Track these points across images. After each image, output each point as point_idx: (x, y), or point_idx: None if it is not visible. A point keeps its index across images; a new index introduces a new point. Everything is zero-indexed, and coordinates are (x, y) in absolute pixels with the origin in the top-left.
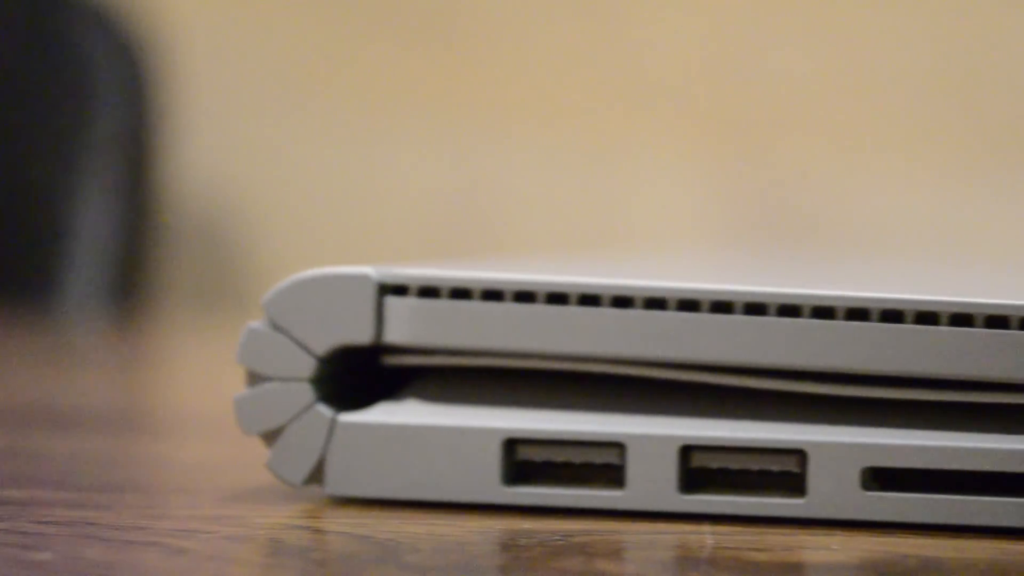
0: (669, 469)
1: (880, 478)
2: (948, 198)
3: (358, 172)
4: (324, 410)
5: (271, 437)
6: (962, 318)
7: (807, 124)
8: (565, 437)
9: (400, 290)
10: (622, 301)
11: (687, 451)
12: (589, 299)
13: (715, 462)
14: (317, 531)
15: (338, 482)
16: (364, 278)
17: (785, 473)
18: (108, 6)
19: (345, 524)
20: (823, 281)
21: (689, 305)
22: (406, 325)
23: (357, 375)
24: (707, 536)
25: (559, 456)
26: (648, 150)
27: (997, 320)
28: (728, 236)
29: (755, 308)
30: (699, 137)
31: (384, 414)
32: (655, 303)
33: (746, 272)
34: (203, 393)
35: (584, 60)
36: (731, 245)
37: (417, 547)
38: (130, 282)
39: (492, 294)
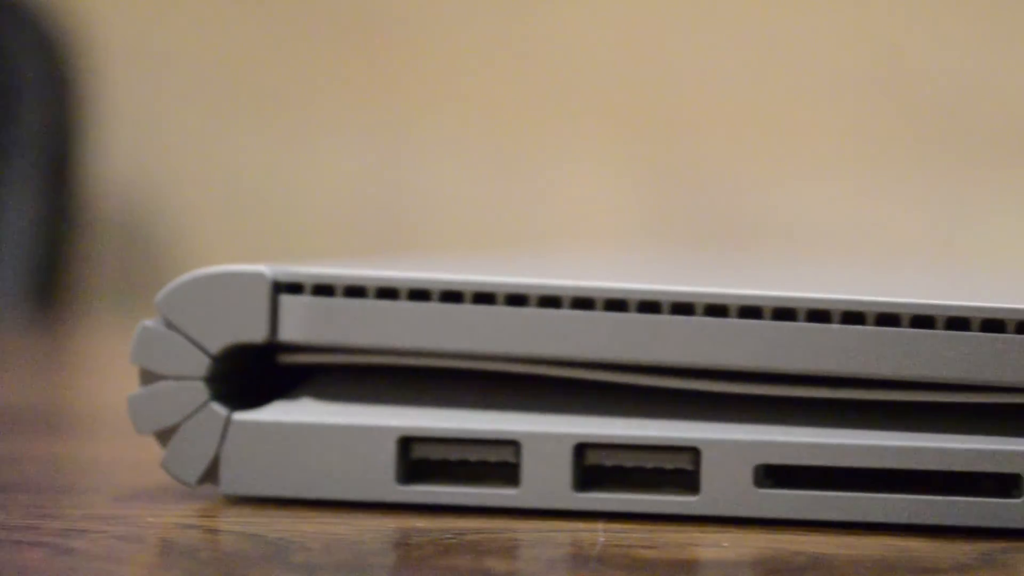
0: (563, 467)
1: (773, 475)
2: (869, 196)
3: (281, 169)
4: (218, 409)
5: (165, 436)
6: (854, 316)
7: (730, 122)
8: (460, 435)
9: (295, 288)
10: (516, 299)
11: (581, 449)
12: (483, 297)
13: (609, 460)
14: (209, 530)
15: (232, 481)
16: (258, 276)
17: (680, 471)
18: (29, 1)
19: (238, 523)
20: (722, 279)
21: (583, 303)
22: (301, 323)
23: (254, 374)
24: (599, 534)
25: (454, 454)
26: (571, 148)
27: (887, 318)
28: (651, 234)
29: (649, 306)
30: (622, 135)
31: (278, 413)
32: (550, 301)
33: (646, 270)
34: (115, 392)
35: (508, 57)
36: (647, 243)
37: (307, 546)
38: (50, 279)
39: (387, 292)
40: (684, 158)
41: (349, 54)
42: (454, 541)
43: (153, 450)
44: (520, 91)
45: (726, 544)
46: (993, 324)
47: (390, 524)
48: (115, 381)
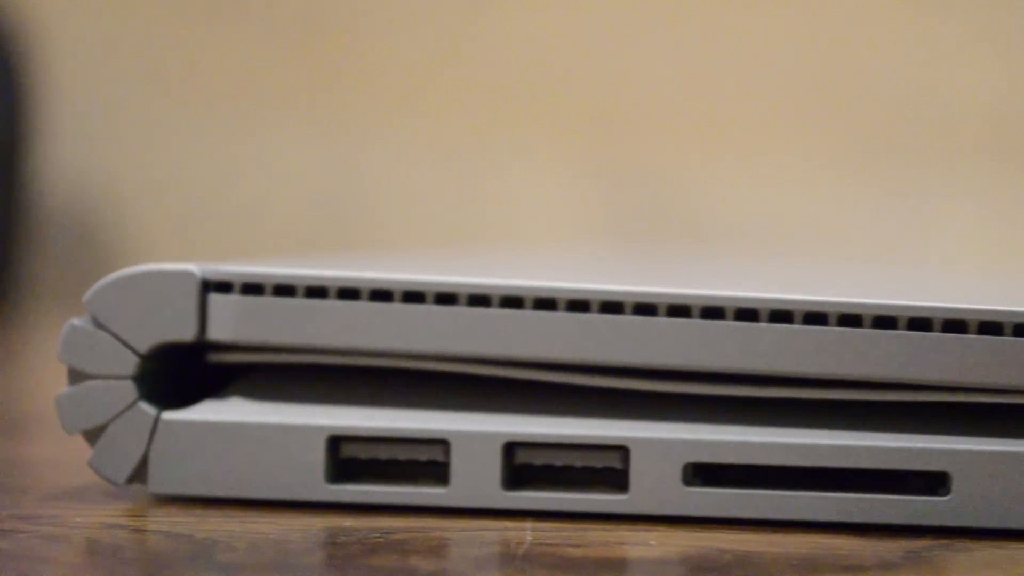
0: (493, 466)
1: (702, 474)
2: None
3: (233, 166)
4: (147, 408)
5: (93, 436)
6: (781, 315)
7: (682, 122)
8: (389, 434)
9: (224, 287)
10: (445, 298)
11: (511, 448)
12: (413, 296)
13: (539, 459)
14: (135, 530)
15: (161, 481)
16: (186, 275)
17: (610, 469)
18: None
19: (165, 523)
20: (655, 278)
21: (512, 302)
22: (230, 322)
23: (184, 373)
24: (527, 532)
25: (384, 453)
26: (524, 147)
27: (815, 317)
28: (604, 234)
29: (577, 305)
30: (577, 135)
31: (207, 412)
32: (479, 300)
33: (582, 269)
34: (48, 390)
35: (459, 55)
36: (593, 242)
37: (233, 546)
38: None
39: (316, 291)
40: (636, 158)
41: (301, 52)
42: (381, 540)
43: (82, 449)
44: (473, 90)
45: (653, 542)
46: (919, 323)
47: (318, 524)
48: (54, 380)
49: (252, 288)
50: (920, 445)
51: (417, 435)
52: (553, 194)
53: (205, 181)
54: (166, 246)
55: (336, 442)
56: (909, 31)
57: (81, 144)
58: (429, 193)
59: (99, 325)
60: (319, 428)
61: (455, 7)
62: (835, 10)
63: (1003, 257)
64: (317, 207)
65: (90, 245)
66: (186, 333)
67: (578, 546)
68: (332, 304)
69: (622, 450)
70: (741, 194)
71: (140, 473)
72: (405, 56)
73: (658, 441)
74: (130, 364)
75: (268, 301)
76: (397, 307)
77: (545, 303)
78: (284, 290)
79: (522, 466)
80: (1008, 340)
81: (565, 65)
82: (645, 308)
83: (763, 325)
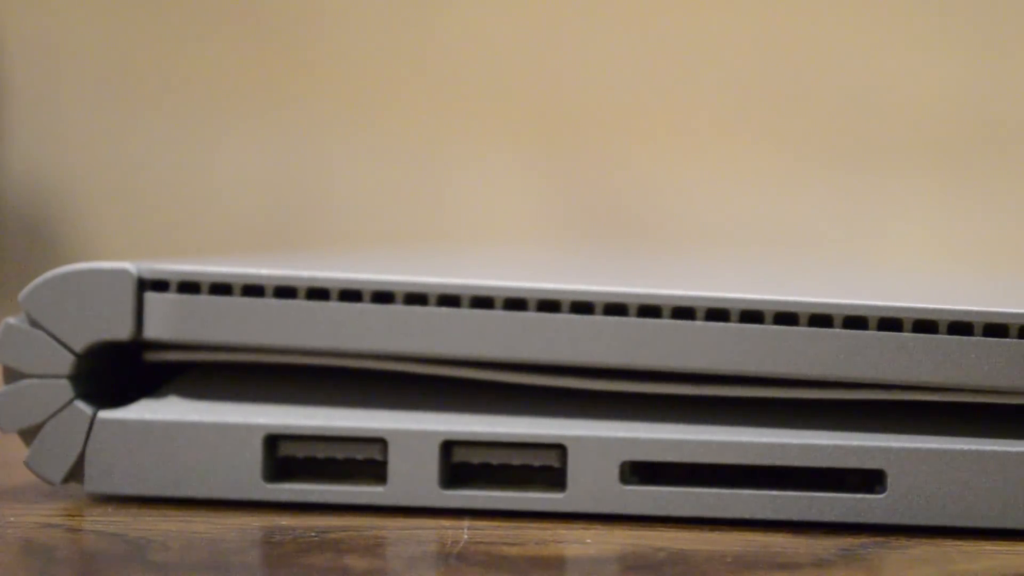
0: (430, 465)
1: (639, 472)
2: (775, 195)
3: (187, 165)
4: (83, 407)
5: (29, 435)
6: (718, 313)
7: (639, 121)
8: (326, 433)
9: (160, 285)
10: (382, 296)
11: (448, 446)
12: (349, 294)
13: (476, 457)
14: (70, 529)
15: (97, 480)
16: (123, 273)
17: (547, 468)
18: None
19: (100, 522)
20: (597, 276)
21: (449, 300)
22: (166, 321)
23: (122, 372)
24: (464, 531)
25: (321, 452)
26: (481, 144)
27: (752, 315)
28: (560, 232)
29: (515, 303)
30: (533, 133)
31: (144, 411)
32: (415, 298)
33: (524, 267)
34: None
35: (417, 54)
36: (551, 241)
37: (167, 545)
38: None
39: (252, 289)
40: (595, 157)
41: (255, 50)
42: (316, 539)
43: (19, 449)
44: (433, 89)
45: (589, 540)
46: (855, 321)
47: (255, 523)
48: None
49: (188, 287)
50: (856, 443)
51: (354, 434)
52: (512, 193)
53: (163, 180)
54: (124, 246)
55: (273, 441)
56: (867, 31)
57: (37, 144)
58: (388, 192)
59: (35, 324)
60: (256, 427)
61: (414, 7)
62: (793, 10)
63: (958, 256)
64: (275, 206)
65: (46, 245)
66: (122, 332)
67: (514, 545)
68: (269, 303)
69: (559, 449)
70: (699, 193)
71: (77, 472)
72: (364, 55)
73: (595, 439)
74: (66, 363)
75: (205, 300)
76: (334, 306)
77: (482, 301)
78: (220, 288)
79: (460, 465)
80: (942, 338)
81: (524, 63)
82: (582, 307)
83: (699, 323)
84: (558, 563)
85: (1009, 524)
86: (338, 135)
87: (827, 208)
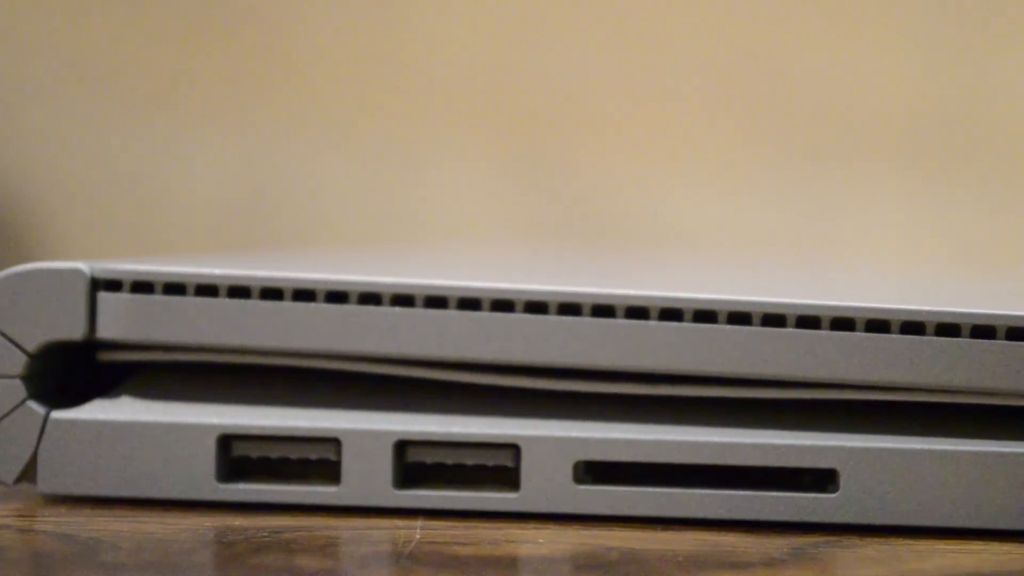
0: (384, 465)
1: (593, 472)
2: (750, 197)
3: (153, 164)
4: (36, 407)
5: None
6: (671, 313)
7: (599, 122)
8: (280, 433)
9: (113, 285)
10: (336, 296)
11: (402, 446)
12: (304, 294)
13: (430, 457)
14: (22, 530)
15: (50, 480)
16: (76, 273)
17: (501, 468)
18: None
19: (52, 523)
20: (552, 276)
21: (403, 300)
22: (120, 321)
23: (75, 372)
24: (416, 531)
25: (275, 452)
26: (443, 144)
27: (705, 315)
28: (521, 232)
29: (468, 303)
30: (501, 135)
31: (97, 411)
32: (370, 298)
33: (481, 267)
34: None
35: (387, 55)
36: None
37: (118, 545)
38: None
39: (206, 289)
40: (557, 158)
41: (226, 49)
42: (268, 539)
43: None
44: (396, 89)
45: (542, 540)
46: (808, 321)
47: (207, 523)
48: None
49: (142, 286)
50: (809, 443)
51: (308, 434)
52: (480, 193)
53: (132, 180)
54: (92, 246)
55: (227, 441)
56: (826, 34)
57: (3, 143)
58: (357, 192)
59: None
60: (210, 427)
61: (385, 8)
62: (754, 14)
63: (931, 256)
64: (244, 206)
65: (12, 246)
66: (75, 332)
67: (466, 544)
68: (222, 302)
69: (513, 448)
70: (668, 194)
71: (29, 473)
72: (334, 56)
73: (549, 439)
74: (19, 363)
75: (158, 299)
76: (288, 305)
77: (436, 301)
78: (174, 288)
79: (414, 464)
80: (894, 338)
81: (494, 64)
82: (536, 306)
83: (653, 323)
84: (510, 563)
85: (960, 523)
86: (308, 135)
87: (798, 209)
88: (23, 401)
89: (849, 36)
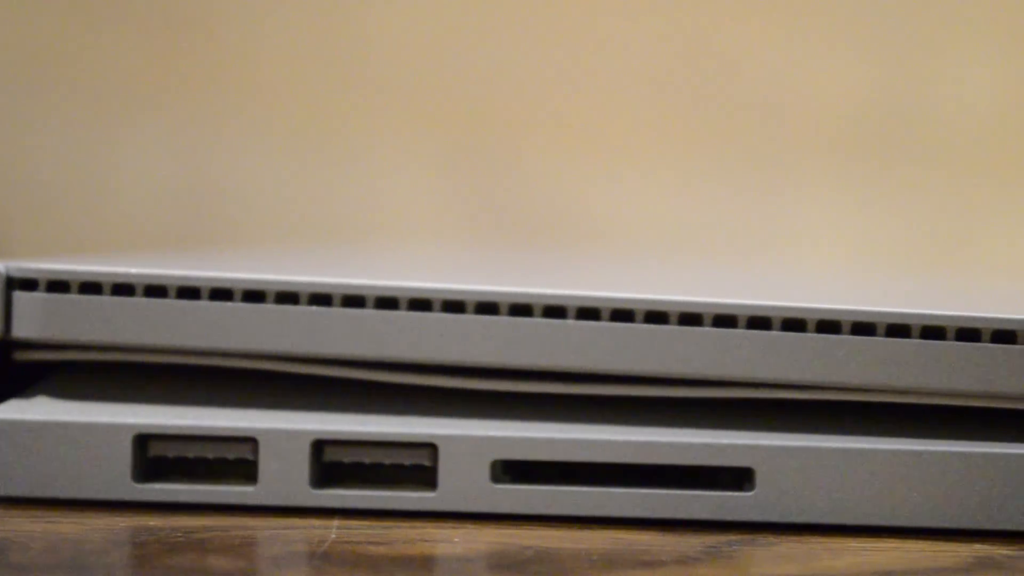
0: (301, 464)
1: (513, 471)
2: (681, 197)
3: (85, 162)
4: None
5: None
6: (588, 312)
7: (544, 119)
8: (197, 432)
9: (29, 284)
10: (253, 295)
11: (319, 446)
12: (221, 294)
13: (347, 456)
14: None
15: None
16: None
17: (419, 467)
18: None
19: None
20: (476, 275)
21: (320, 299)
22: (36, 320)
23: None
24: (332, 531)
25: (192, 452)
26: (382, 144)
27: (622, 314)
28: (463, 233)
29: (386, 303)
30: (434, 133)
31: (11, 411)
32: (287, 297)
33: (403, 267)
34: None
35: (318, 52)
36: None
37: (29, 546)
38: None
39: (122, 288)
40: (492, 157)
41: (153, 46)
42: (182, 539)
43: None
44: (329, 87)
45: (457, 540)
46: (724, 320)
47: (122, 523)
48: None
49: (58, 286)
50: (725, 441)
51: (225, 433)
52: (414, 190)
53: (60, 179)
54: (20, 245)
55: (143, 440)
56: (771, 31)
57: None
58: (291, 190)
59: None
60: (126, 426)
61: (314, 4)
62: (696, 11)
63: (866, 255)
64: (175, 204)
65: None
66: None
67: (381, 544)
68: (139, 302)
69: (430, 448)
70: (604, 193)
71: None
72: (265, 52)
73: (466, 438)
74: None
75: (74, 299)
76: (204, 304)
77: (353, 300)
78: (90, 287)
79: (331, 464)
80: (810, 337)
81: (427, 61)
82: (453, 305)
83: (570, 322)
84: (423, 562)
85: (875, 521)
86: (240, 132)
87: (739, 206)
88: None
89: (791, 34)
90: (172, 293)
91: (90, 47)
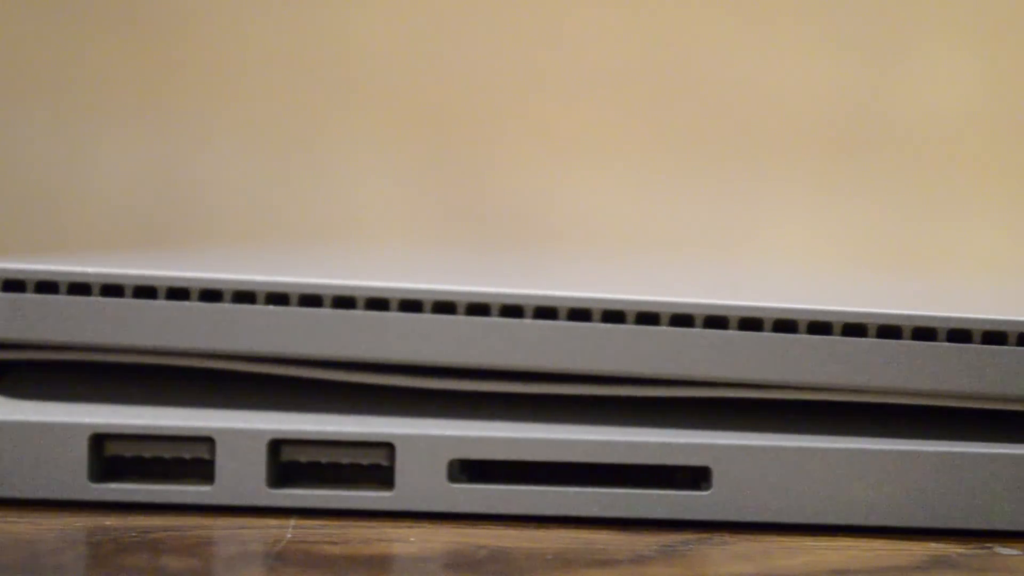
0: (258, 464)
1: (470, 470)
2: (648, 198)
3: (57, 161)
4: None
5: None
6: (547, 311)
7: (517, 119)
8: (153, 432)
9: None
10: (210, 295)
11: (276, 445)
12: (177, 293)
13: (304, 456)
14: None
15: None
16: None
17: (377, 466)
18: None
19: None
20: (435, 275)
21: (278, 298)
22: None
23: None
24: (288, 530)
25: (148, 451)
26: (355, 144)
27: (579, 313)
28: (436, 232)
29: (343, 302)
30: (406, 133)
31: None
32: (243, 296)
33: (364, 266)
34: None
35: (292, 55)
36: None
37: None
38: None
39: (79, 287)
40: (463, 157)
41: (130, 48)
42: (137, 540)
43: None
44: (302, 87)
45: (413, 539)
46: (681, 319)
47: (78, 523)
48: None
49: (14, 285)
50: (682, 440)
51: (182, 432)
52: (382, 189)
53: (36, 179)
54: None
55: (99, 440)
56: (744, 32)
57: None
58: (266, 189)
59: None
60: (82, 426)
61: (287, 5)
62: (663, 12)
63: (836, 255)
64: (151, 204)
65: None
66: None
67: (337, 544)
68: (95, 301)
69: (387, 447)
70: (575, 193)
71: None
72: (239, 53)
73: (423, 438)
74: None
75: (30, 298)
76: (161, 304)
77: (310, 299)
78: (46, 287)
79: (288, 463)
80: (767, 336)
81: (399, 61)
82: (410, 305)
83: (528, 322)
84: (378, 562)
85: (830, 520)
86: (215, 133)
87: (706, 206)
88: None
89: (758, 35)
90: (129, 292)
91: (69, 48)
